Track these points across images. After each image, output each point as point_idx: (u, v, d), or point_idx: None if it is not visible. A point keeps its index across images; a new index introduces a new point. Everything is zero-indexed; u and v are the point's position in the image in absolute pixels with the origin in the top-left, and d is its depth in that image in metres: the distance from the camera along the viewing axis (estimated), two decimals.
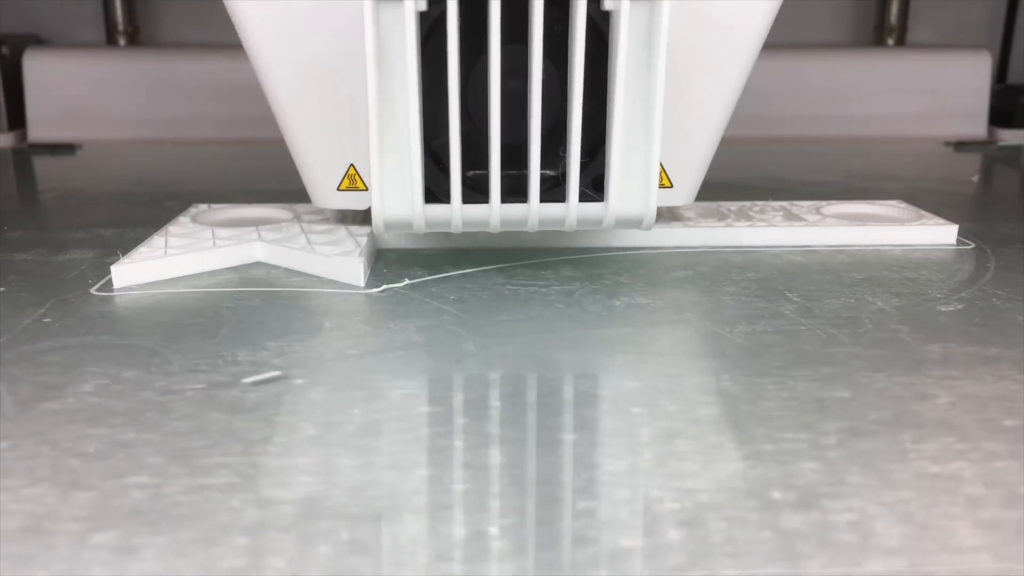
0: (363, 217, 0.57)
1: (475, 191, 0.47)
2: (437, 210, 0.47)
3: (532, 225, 0.48)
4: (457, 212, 0.47)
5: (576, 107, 0.45)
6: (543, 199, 0.47)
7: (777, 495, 0.27)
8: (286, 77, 0.50)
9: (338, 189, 0.52)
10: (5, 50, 1.06)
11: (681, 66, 0.49)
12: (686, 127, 0.51)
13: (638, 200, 0.47)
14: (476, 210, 0.47)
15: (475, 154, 0.46)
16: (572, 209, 0.47)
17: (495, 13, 0.43)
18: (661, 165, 0.50)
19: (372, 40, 0.43)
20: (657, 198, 0.47)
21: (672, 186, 0.53)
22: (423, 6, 0.43)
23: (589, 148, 0.47)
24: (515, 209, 0.47)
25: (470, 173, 0.47)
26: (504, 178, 0.47)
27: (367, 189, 0.51)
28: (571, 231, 0.49)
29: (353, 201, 0.52)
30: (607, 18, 0.44)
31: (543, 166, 0.46)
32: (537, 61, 0.44)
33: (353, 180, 0.51)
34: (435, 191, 0.47)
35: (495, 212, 0.47)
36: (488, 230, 0.48)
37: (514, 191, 0.47)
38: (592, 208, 0.47)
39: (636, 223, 0.48)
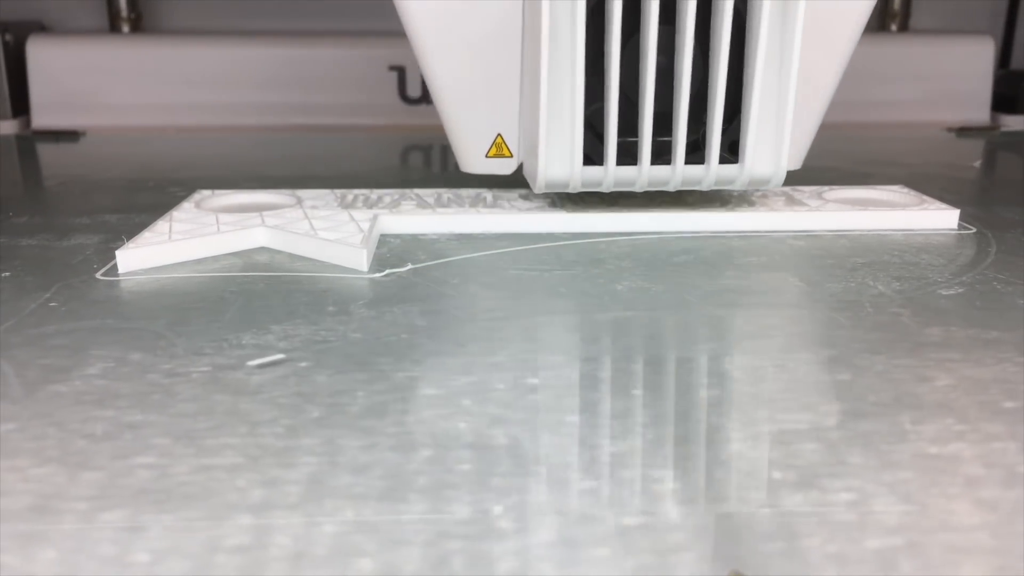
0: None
1: (623, 155, 0.53)
2: (592, 171, 0.53)
3: (675, 184, 0.54)
4: (611, 173, 0.53)
5: (720, 82, 0.51)
6: (684, 162, 0.53)
7: (777, 475, 0.28)
8: (444, 55, 0.54)
9: (486, 156, 0.57)
10: (8, 37, 1.06)
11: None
12: (800, 99, 0.55)
13: (769, 162, 0.54)
14: (626, 171, 0.53)
15: (624, 122, 0.52)
16: (712, 170, 0.53)
17: None
18: None
19: (547, 22, 0.48)
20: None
21: None
22: None
23: (726, 116, 0.53)
24: (660, 171, 0.53)
25: (619, 139, 0.52)
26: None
27: (512, 156, 0.57)
28: (707, 189, 0.55)
29: (498, 167, 0.57)
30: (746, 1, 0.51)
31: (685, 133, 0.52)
32: (689, 40, 0.50)
33: (500, 148, 0.56)
34: (590, 154, 0.53)
35: (644, 173, 0.53)
36: (635, 189, 0.54)
37: (657, 154, 0.53)
38: (728, 170, 0.54)
39: (765, 182, 0.55)
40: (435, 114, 0.57)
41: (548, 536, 0.24)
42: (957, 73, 1.13)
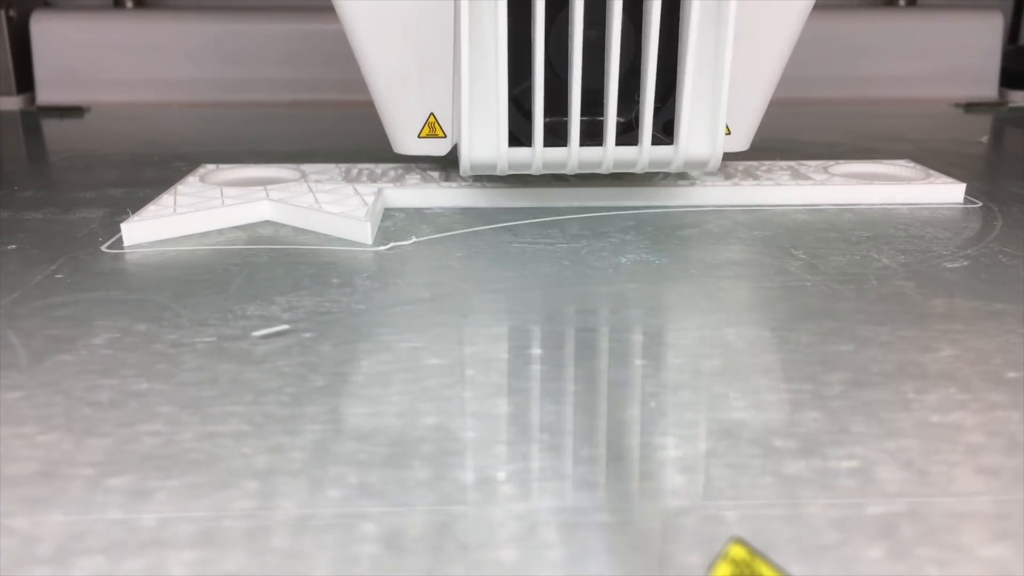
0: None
1: (553, 135, 0.50)
2: (519, 153, 0.50)
3: (606, 167, 0.51)
4: (539, 155, 0.50)
5: (651, 56, 0.48)
6: (616, 143, 0.50)
7: (779, 443, 0.28)
8: (373, 32, 0.52)
9: (418, 136, 0.55)
10: (12, 13, 1.06)
11: (740, 21, 0.51)
12: (743, 78, 0.53)
13: (705, 143, 0.51)
14: (555, 153, 0.50)
15: (553, 101, 0.49)
16: (644, 152, 0.50)
17: None
18: None
19: None
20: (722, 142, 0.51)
21: (730, 133, 0.55)
22: None
23: (660, 95, 0.50)
24: (591, 152, 0.50)
25: (548, 119, 0.50)
26: (580, 123, 0.50)
27: (445, 136, 0.54)
28: (641, 172, 0.52)
29: (432, 148, 0.55)
30: None
31: (617, 112, 0.50)
32: (617, 11, 0.47)
33: (433, 128, 0.54)
34: (518, 135, 0.50)
35: (573, 154, 0.50)
36: (565, 171, 0.51)
37: (589, 135, 0.50)
38: (662, 151, 0.51)
39: (702, 165, 0.52)
40: None
41: (551, 503, 0.25)
42: (965, 48, 1.12)
